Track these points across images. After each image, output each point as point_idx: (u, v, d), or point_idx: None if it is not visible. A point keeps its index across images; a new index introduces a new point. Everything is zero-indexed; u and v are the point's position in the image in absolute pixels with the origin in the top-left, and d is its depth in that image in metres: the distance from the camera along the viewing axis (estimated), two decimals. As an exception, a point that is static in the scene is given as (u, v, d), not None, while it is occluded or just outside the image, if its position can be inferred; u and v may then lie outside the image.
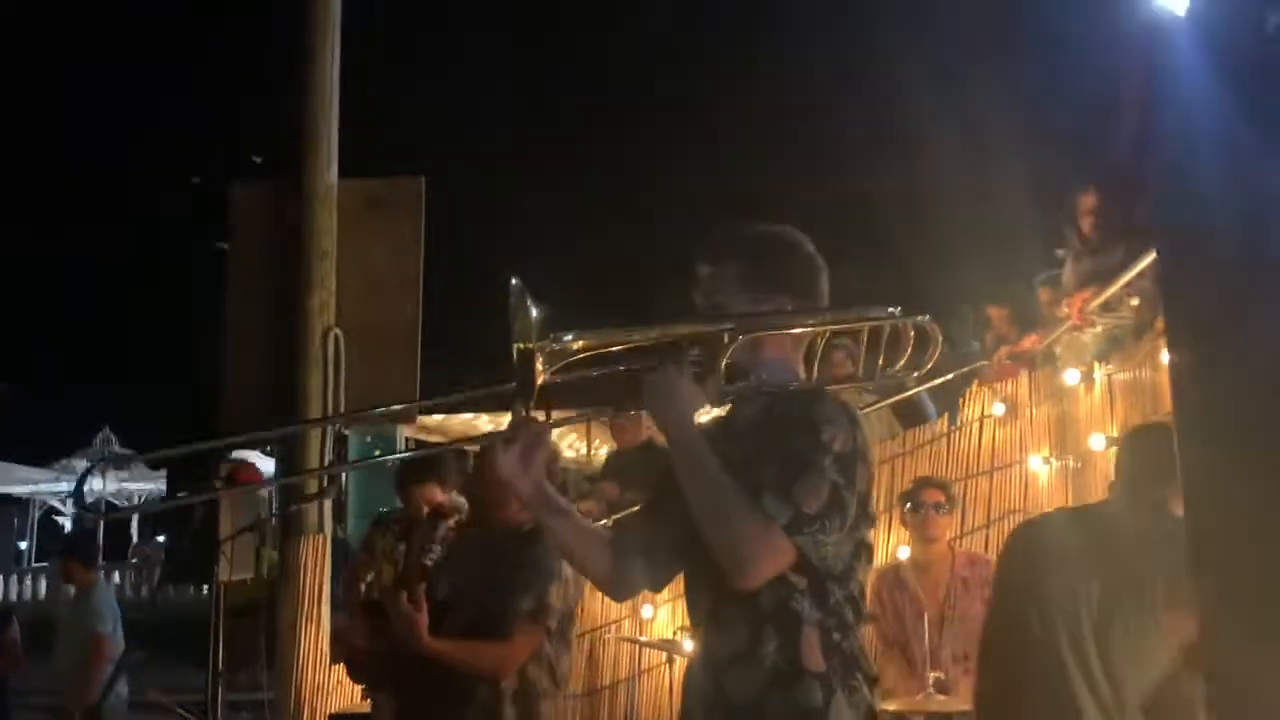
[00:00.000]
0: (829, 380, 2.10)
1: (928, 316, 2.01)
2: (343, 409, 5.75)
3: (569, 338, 1.84)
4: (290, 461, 5.52)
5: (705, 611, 1.96)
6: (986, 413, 5.15)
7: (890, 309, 2.00)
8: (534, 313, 1.82)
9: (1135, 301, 3.92)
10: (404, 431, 14.32)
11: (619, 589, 2.14)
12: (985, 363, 5.73)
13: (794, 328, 2.01)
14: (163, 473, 20.95)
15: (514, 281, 1.82)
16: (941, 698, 3.81)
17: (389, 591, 3.36)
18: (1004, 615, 2.66)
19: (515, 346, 1.82)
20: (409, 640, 3.09)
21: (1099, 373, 3.99)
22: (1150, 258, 3.57)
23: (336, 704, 5.18)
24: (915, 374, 2.06)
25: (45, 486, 22.46)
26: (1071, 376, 4.28)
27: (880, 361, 2.03)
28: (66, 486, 22.49)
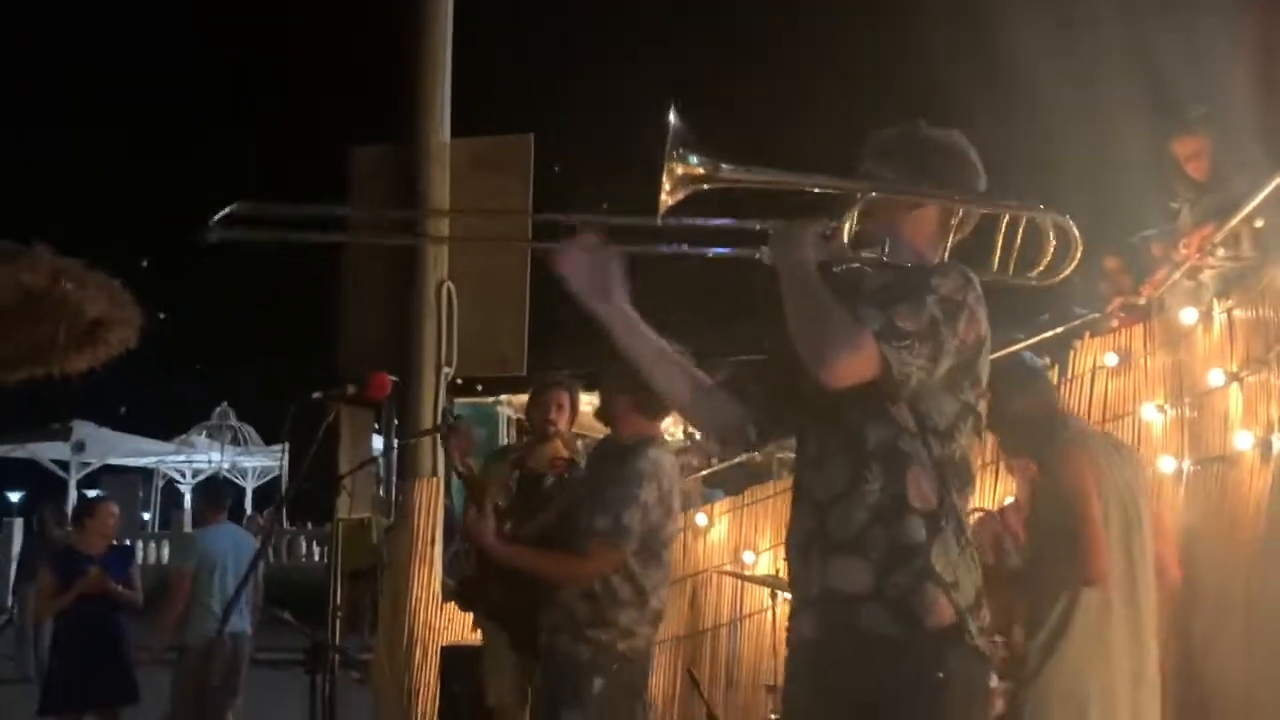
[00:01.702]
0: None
1: (1068, 216, 2.01)
2: (455, 358, 5.97)
3: (694, 160, 1.87)
4: (404, 404, 5.73)
5: (811, 455, 1.99)
6: (1098, 364, 5.04)
7: (1034, 203, 2.00)
8: (673, 122, 1.86)
9: (1260, 223, 3.78)
10: (506, 410, 14.60)
11: (707, 416, 2.16)
12: (1097, 315, 5.60)
13: (927, 201, 2.01)
14: (276, 448, 21.70)
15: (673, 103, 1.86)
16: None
17: (519, 468, 3.54)
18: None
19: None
20: (479, 546, 3.27)
21: (1218, 311, 3.88)
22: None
23: (447, 640, 5.36)
24: (1055, 277, 2.05)
25: (168, 458, 23.55)
26: (1189, 316, 4.16)
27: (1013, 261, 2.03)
28: (186, 458, 23.56)
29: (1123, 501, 3.20)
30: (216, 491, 7.09)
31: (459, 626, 5.40)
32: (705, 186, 1.93)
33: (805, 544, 1.97)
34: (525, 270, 6.13)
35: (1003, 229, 2.01)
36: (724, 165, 1.92)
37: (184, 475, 24.64)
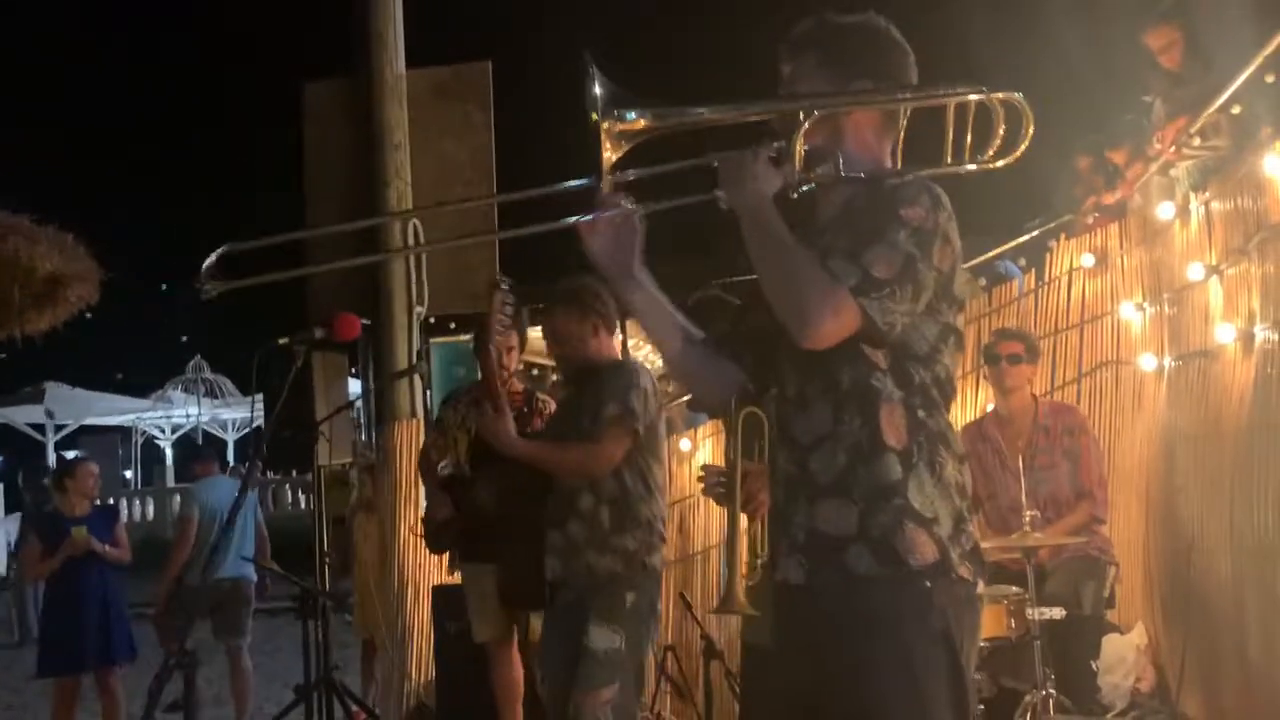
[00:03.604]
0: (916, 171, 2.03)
1: (1019, 94, 1.94)
2: (426, 297, 5.86)
3: (632, 116, 1.81)
4: (378, 346, 5.64)
5: (790, 397, 1.96)
6: (1075, 265, 5.02)
7: (978, 85, 1.93)
8: (597, 88, 1.79)
9: (1237, 110, 3.72)
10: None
11: (704, 383, 2.13)
12: (1070, 217, 5.55)
13: (873, 106, 1.96)
14: (255, 399, 21.49)
15: (586, 55, 1.79)
16: (1038, 535, 3.80)
17: (476, 406, 3.47)
18: None
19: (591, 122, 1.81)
20: (498, 444, 3.22)
21: (1195, 204, 3.83)
22: (1259, 60, 3.35)
23: (437, 579, 5.34)
24: (1008, 158, 1.99)
25: (146, 416, 23.40)
26: (1165, 210, 4.11)
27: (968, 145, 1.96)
28: (164, 414, 23.41)
29: None
30: (201, 448, 7.16)
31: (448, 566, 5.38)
32: (645, 137, 1.87)
33: (789, 490, 1.94)
34: (492, 204, 5.99)
35: (951, 117, 1.94)
36: (658, 112, 1.86)
37: (163, 431, 24.51)
